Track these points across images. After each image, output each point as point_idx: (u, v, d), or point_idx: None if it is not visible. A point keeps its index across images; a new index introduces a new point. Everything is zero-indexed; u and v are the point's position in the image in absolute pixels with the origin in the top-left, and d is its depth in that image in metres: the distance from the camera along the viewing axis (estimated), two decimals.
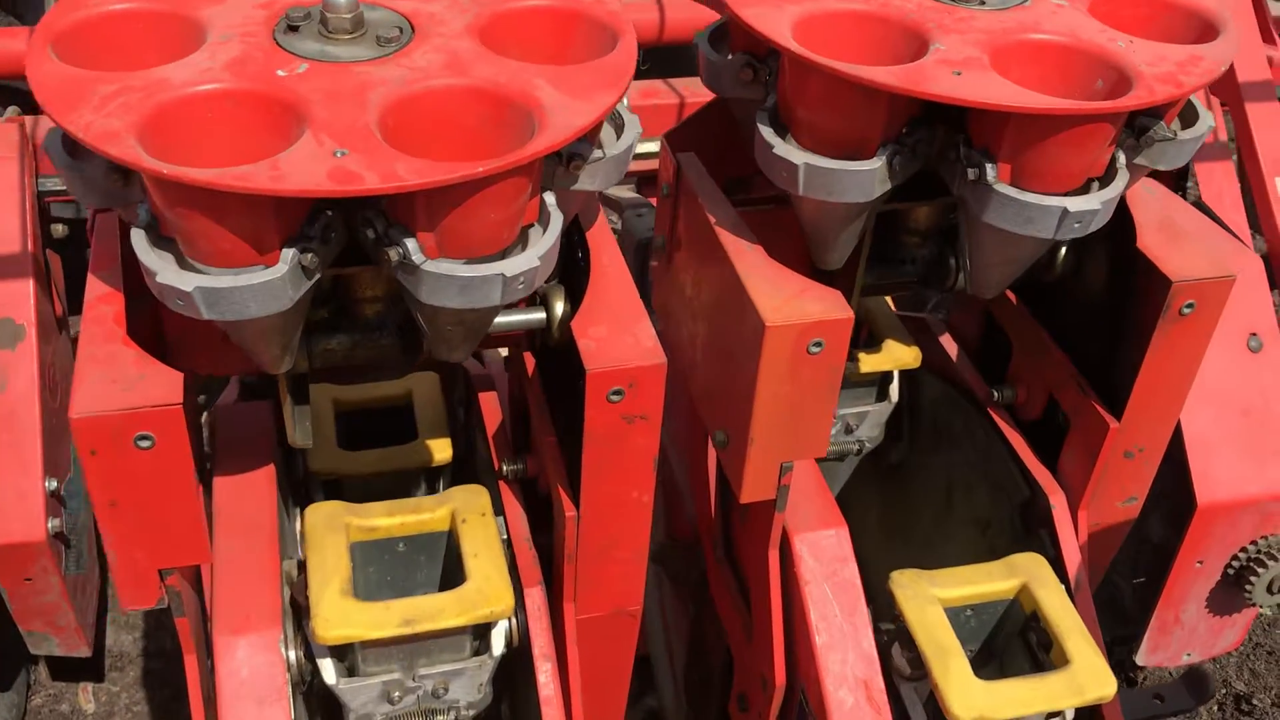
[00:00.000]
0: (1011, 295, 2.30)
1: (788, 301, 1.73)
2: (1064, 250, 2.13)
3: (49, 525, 2.75)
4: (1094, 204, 1.65)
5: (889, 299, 2.51)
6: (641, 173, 3.36)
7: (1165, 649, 3.22)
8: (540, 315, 1.89)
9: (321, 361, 1.91)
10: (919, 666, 1.94)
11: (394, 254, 1.46)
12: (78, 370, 1.57)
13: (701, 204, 1.91)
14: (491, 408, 2.25)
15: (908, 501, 2.61)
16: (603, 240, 1.86)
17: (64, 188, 2.99)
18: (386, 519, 1.92)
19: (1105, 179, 1.72)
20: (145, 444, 1.54)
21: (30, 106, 3.51)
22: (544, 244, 1.53)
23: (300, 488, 2.30)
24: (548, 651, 1.90)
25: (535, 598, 1.92)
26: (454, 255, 1.48)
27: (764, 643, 2.08)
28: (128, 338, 1.62)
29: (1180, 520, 2.87)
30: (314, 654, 1.84)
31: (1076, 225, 1.66)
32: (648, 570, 2.89)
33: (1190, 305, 1.87)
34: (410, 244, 1.46)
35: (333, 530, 1.87)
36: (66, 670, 3.56)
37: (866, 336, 2.46)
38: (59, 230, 3.25)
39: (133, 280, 1.69)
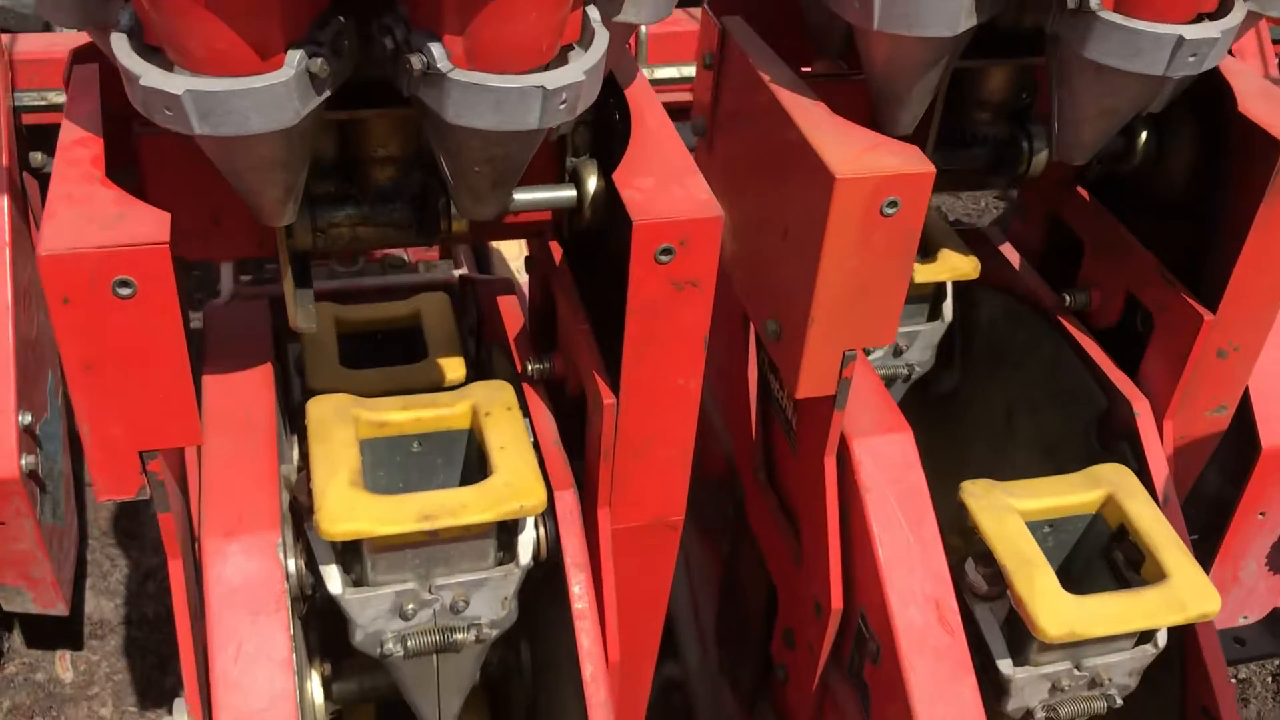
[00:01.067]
0: (1083, 192, 2.10)
1: (859, 155, 1.53)
2: (1144, 135, 1.93)
3: (22, 462, 2.52)
4: (1213, 32, 1.45)
5: (941, 210, 2.31)
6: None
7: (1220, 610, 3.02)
8: (570, 192, 1.69)
9: (327, 240, 1.70)
10: (997, 583, 1.73)
11: (417, 61, 1.25)
12: (48, 210, 1.36)
13: (753, 64, 1.71)
14: (511, 311, 2.04)
15: (960, 432, 2.40)
16: (644, 97, 1.65)
17: (42, 103, 2.80)
18: (400, 414, 1.70)
19: (1217, 14, 1.52)
20: (126, 291, 1.33)
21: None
22: (590, 59, 1.32)
23: (298, 413, 2.08)
24: (581, 561, 1.69)
25: (567, 501, 1.71)
26: (485, 68, 1.27)
27: (818, 562, 1.86)
28: (106, 179, 1.41)
29: (1241, 470, 2.66)
30: (316, 560, 1.62)
31: (1191, 59, 1.46)
32: None
33: None
34: (436, 49, 1.25)
35: (341, 422, 1.65)
36: (42, 637, 3.32)
37: (922, 251, 2.25)
38: (38, 159, 3.03)
39: (113, 143, 1.48)
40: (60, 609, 2.87)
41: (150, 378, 1.40)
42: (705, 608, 2.56)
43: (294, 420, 2.02)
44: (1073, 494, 1.82)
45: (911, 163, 1.53)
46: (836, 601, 1.84)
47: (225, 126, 1.24)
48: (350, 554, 1.64)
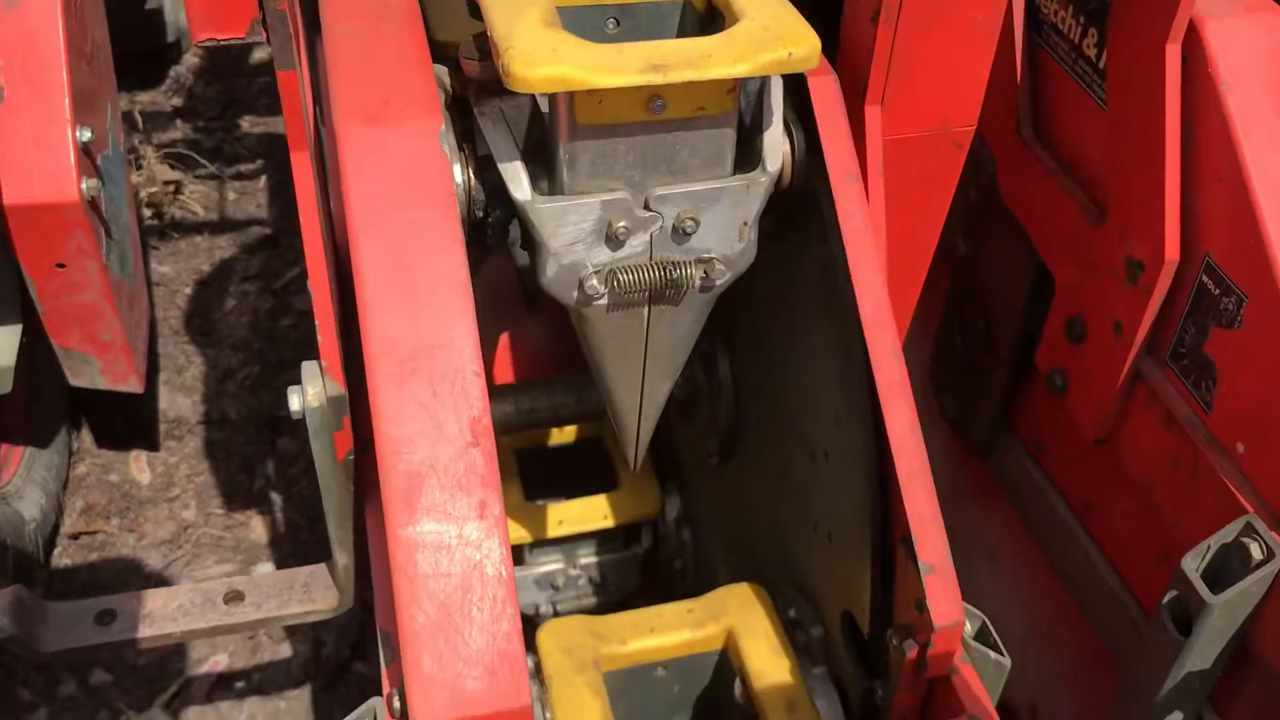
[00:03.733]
0: None
1: None
2: None
3: (83, 186, 2.09)
4: None
5: None
6: None
7: None
8: None
9: None
10: None
11: None
12: None
13: None
14: None
15: None
16: None
17: None
18: None
19: None
20: None
21: None
22: None
23: None
24: (850, 165, 1.22)
25: (826, 89, 1.23)
26: None
27: (1142, 202, 1.38)
28: None
29: None
30: (495, 159, 1.16)
31: None
32: None
33: None
34: None
35: None
36: (114, 438, 2.94)
37: None
38: None
39: None
40: (134, 384, 2.45)
41: None
42: (911, 351, 2.10)
43: None
44: None
45: None
46: (1172, 251, 1.36)
47: None
48: (538, 157, 1.18)
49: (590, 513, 1.98)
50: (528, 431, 2.00)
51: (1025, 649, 1.84)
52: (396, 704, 1.07)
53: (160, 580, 2.60)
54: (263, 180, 3.75)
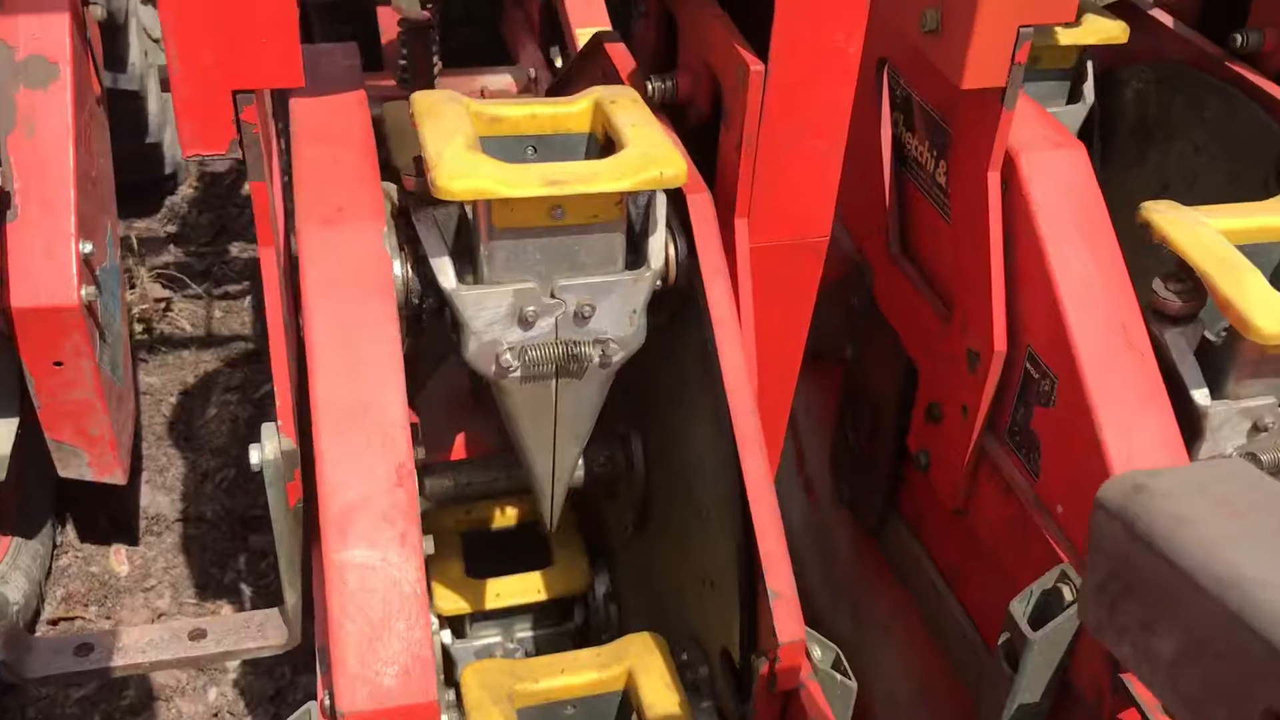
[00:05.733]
0: None
1: None
2: None
3: (82, 292, 2.36)
4: None
5: None
6: None
7: None
8: None
9: None
10: (1192, 298, 1.52)
11: None
12: None
13: None
14: (621, 53, 1.85)
15: None
16: None
17: None
18: (516, 109, 1.52)
19: None
20: None
21: None
22: None
23: None
24: (720, 266, 1.49)
25: (701, 205, 1.51)
26: None
27: (975, 306, 1.65)
28: None
29: None
30: (427, 254, 1.43)
31: None
32: None
33: None
34: None
35: (453, 102, 1.47)
36: (96, 532, 3.14)
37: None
38: (98, 11, 2.89)
39: None
40: (118, 477, 2.68)
41: None
42: (815, 448, 2.35)
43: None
44: (1269, 214, 1.60)
45: None
46: (1000, 343, 1.63)
47: None
48: (463, 254, 1.45)
49: (525, 587, 2.18)
50: (470, 513, 2.22)
51: (913, 712, 2.04)
52: (328, 702, 1.28)
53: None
54: (248, 300, 4.03)
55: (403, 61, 2.63)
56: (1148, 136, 2.07)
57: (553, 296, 1.44)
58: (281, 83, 1.30)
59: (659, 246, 1.47)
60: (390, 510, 1.31)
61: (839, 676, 1.43)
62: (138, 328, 3.78)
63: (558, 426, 1.56)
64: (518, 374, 1.47)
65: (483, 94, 2.88)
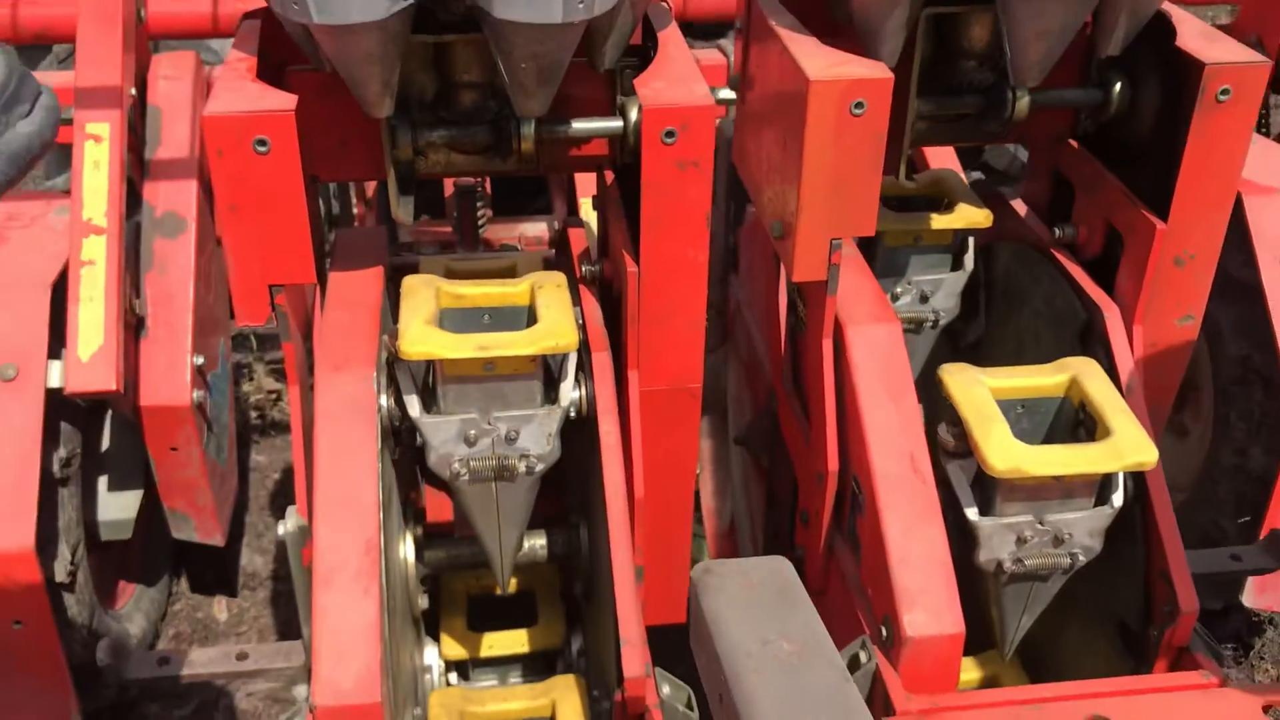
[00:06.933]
0: (1075, 144, 2.42)
1: (831, 65, 1.91)
2: (1119, 85, 2.25)
3: (194, 395, 3.05)
4: None
5: (961, 175, 2.65)
6: None
7: (1274, 590, 3.14)
8: (618, 123, 2.12)
9: (427, 164, 2.18)
10: (964, 439, 2.03)
11: None
12: (213, 92, 1.86)
13: (767, 18, 2.12)
14: (578, 237, 2.46)
15: None
16: (671, 34, 2.09)
17: None
18: (471, 288, 2.13)
19: None
20: (262, 149, 1.81)
21: None
22: None
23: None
24: (610, 407, 2.07)
25: (602, 361, 2.10)
26: None
27: (820, 436, 2.19)
28: (256, 78, 1.91)
29: None
30: (401, 390, 2.05)
31: None
32: (732, 453, 3.02)
33: (1225, 92, 1.97)
34: None
35: (425, 286, 2.09)
36: (204, 584, 3.83)
37: (942, 207, 2.59)
38: None
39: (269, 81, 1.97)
40: (217, 540, 3.36)
41: (278, 221, 1.88)
42: (756, 519, 2.88)
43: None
44: (1040, 377, 2.11)
45: (875, 71, 1.91)
46: (833, 464, 2.16)
47: (332, 14, 1.71)
48: (427, 392, 2.06)
49: (513, 641, 2.76)
50: (479, 580, 2.81)
51: None
52: (311, 701, 1.88)
53: (222, 688, 3.44)
54: None
55: (455, 215, 3.30)
56: (1012, 302, 2.58)
57: (489, 424, 2.04)
58: (299, 279, 1.94)
59: (567, 389, 2.07)
60: (359, 572, 1.92)
61: (681, 709, 1.97)
62: (253, 414, 4.52)
63: (500, 517, 2.15)
64: (466, 478, 2.07)
65: (520, 240, 3.54)
